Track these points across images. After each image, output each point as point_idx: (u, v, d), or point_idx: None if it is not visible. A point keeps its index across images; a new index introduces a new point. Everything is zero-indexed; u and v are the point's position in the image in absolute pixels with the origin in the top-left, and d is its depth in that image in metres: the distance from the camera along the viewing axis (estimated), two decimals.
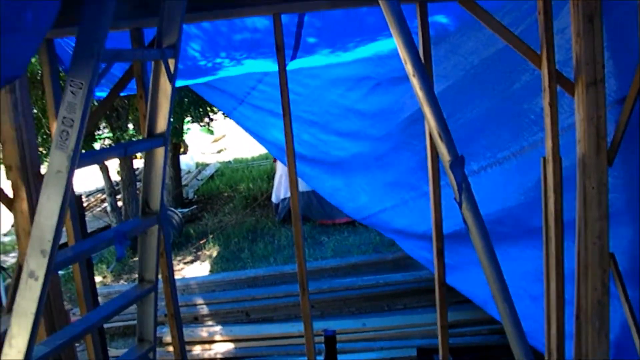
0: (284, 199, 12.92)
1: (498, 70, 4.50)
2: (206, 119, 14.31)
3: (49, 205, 2.24)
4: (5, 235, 15.25)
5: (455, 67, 4.65)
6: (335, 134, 6.39)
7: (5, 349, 2.29)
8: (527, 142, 4.46)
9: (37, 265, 2.25)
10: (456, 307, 7.00)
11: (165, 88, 2.87)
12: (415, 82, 2.32)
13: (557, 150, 3.57)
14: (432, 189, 3.78)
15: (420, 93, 2.31)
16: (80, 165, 2.33)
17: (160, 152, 2.98)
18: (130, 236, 2.93)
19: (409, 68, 2.34)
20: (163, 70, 2.85)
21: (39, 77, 8.38)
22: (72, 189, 2.39)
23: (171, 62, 2.84)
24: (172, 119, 2.96)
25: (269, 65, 5.06)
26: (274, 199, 13.42)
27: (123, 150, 2.95)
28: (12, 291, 4.27)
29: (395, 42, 2.43)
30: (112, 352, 7.09)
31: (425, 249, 6.62)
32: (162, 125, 2.94)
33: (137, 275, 3.33)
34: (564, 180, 3.60)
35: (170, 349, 7.03)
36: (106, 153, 3.24)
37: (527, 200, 4.58)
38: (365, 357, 6.86)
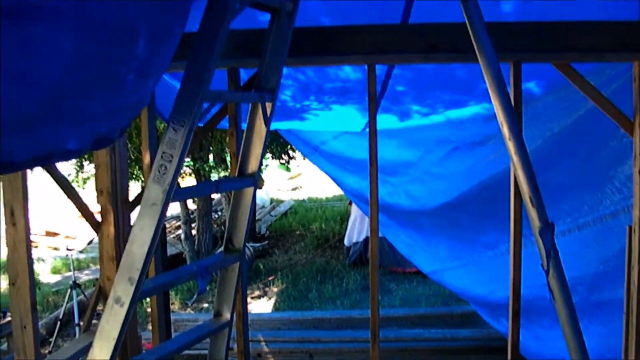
0: (356, 243, 12.90)
1: (583, 135, 4.44)
2: (285, 157, 14.51)
3: (142, 235, 2.32)
4: (80, 252, 15.70)
5: (539, 131, 4.62)
6: (406, 195, 6.36)
7: None
8: (609, 210, 4.37)
9: (123, 291, 2.32)
10: None
11: (260, 130, 2.94)
12: (511, 145, 2.31)
13: None
14: (512, 250, 3.72)
15: (515, 157, 2.30)
16: (174, 200, 2.39)
17: (249, 192, 3.03)
18: (211, 271, 2.99)
19: (505, 131, 2.33)
20: (260, 112, 2.91)
21: None
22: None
23: (268, 106, 2.91)
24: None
25: (354, 117, 5.10)
26: (346, 241, 13.38)
27: (215, 187, 3.03)
28: (90, 312, 4.40)
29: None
30: None
31: (486, 314, 6.51)
32: (253, 165, 3.00)
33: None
34: None
35: None
36: (199, 189, 3.33)
37: (605, 270, 4.47)
38: None
